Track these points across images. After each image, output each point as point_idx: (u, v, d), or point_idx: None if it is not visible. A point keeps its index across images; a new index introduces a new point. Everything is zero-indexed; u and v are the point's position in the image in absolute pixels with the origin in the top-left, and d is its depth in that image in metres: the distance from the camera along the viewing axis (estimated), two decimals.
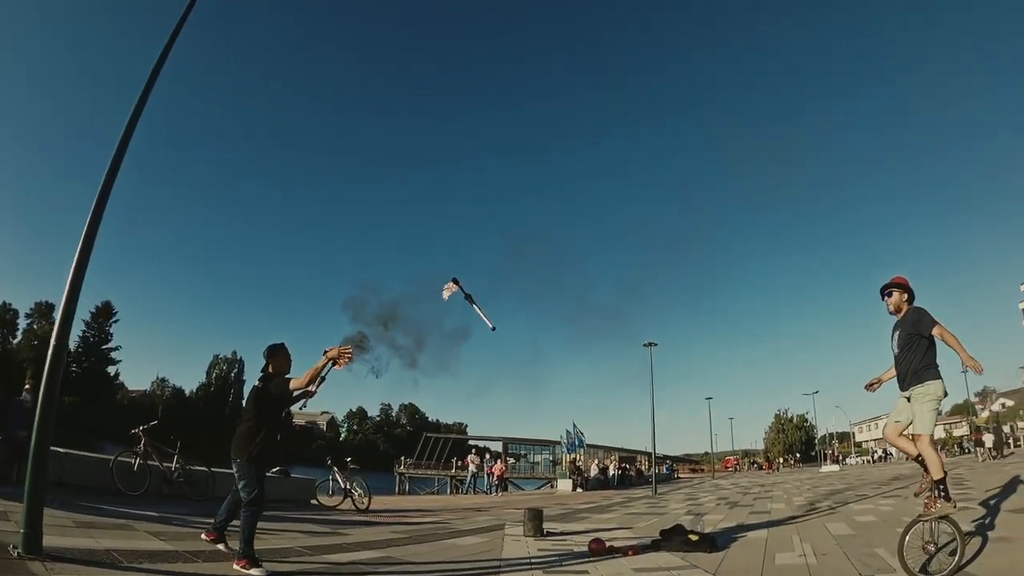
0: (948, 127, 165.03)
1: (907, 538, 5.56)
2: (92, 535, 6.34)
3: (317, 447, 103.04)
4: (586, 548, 7.96)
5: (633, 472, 45.49)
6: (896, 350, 6.00)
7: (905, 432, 6.06)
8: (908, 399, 5.82)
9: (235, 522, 5.88)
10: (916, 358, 5.75)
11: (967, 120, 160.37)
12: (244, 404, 6.23)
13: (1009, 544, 6.56)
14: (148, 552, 5.90)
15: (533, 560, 7.46)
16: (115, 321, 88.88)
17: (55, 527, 6.17)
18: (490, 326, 9.62)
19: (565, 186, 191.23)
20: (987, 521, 8.29)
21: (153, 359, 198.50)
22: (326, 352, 6.18)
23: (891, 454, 60.84)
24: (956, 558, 5.31)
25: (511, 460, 58.48)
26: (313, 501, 14.99)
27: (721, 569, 6.73)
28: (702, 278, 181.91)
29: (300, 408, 7.19)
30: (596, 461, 43.61)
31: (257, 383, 6.20)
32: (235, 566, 5.45)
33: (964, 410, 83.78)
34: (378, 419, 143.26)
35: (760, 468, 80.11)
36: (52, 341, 5.66)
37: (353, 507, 14.38)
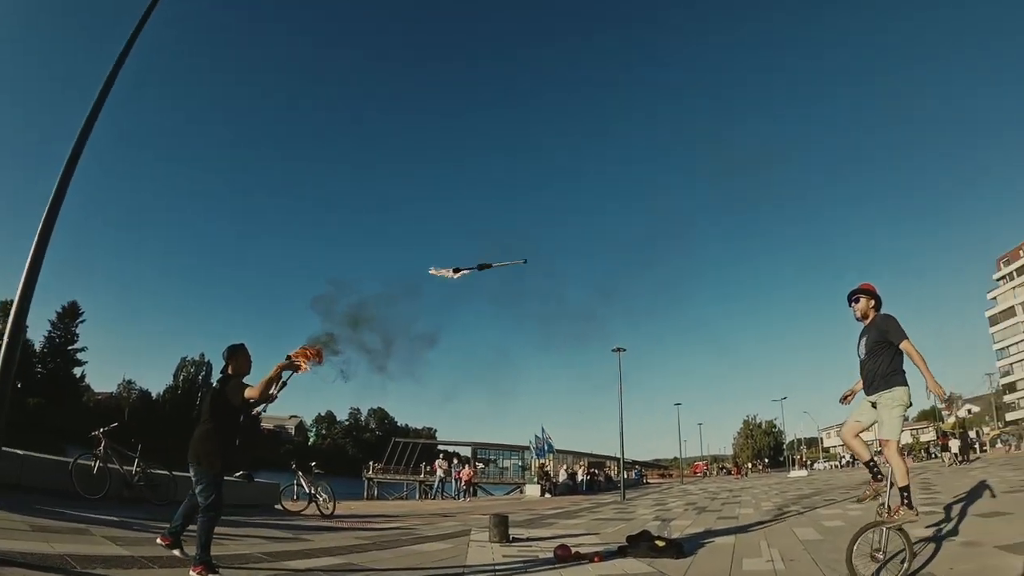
0: (918, 133, 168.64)
1: (855, 546, 5.54)
2: (47, 539, 6.17)
3: (285, 451, 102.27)
4: (552, 554, 7.90)
5: (602, 477, 45.59)
6: (863, 355, 6.01)
7: (861, 434, 6.09)
8: (873, 404, 5.84)
9: (192, 527, 5.76)
10: (884, 363, 5.77)
11: (937, 126, 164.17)
12: (201, 406, 6.09)
13: (979, 548, 6.62)
14: (103, 557, 5.76)
15: (497, 567, 7.40)
16: (81, 321, 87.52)
17: (9, 531, 6.05)
18: (521, 261, 9.70)
19: (536, 189, 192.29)
20: (956, 525, 8.38)
21: (120, 361, 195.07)
22: (288, 356, 6.13)
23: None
24: (905, 566, 5.33)
25: (480, 465, 58.40)
26: (277, 506, 14.80)
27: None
28: (672, 283, 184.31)
29: (260, 412, 7.12)
30: (565, 466, 43.71)
31: (215, 384, 6.06)
32: (191, 572, 5.30)
33: (931, 415, 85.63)
34: (347, 423, 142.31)
35: (729, 473, 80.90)
36: (5, 339, 5.56)
37: (318, 512, 14.24)
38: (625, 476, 34.70)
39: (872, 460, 6.10)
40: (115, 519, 8.53)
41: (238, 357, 6.06)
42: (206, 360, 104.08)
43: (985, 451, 45.21)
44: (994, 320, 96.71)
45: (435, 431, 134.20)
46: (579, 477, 40.88)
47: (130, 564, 5.68)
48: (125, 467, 11.70)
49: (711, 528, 11.24)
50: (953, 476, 20.58)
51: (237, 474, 13.85)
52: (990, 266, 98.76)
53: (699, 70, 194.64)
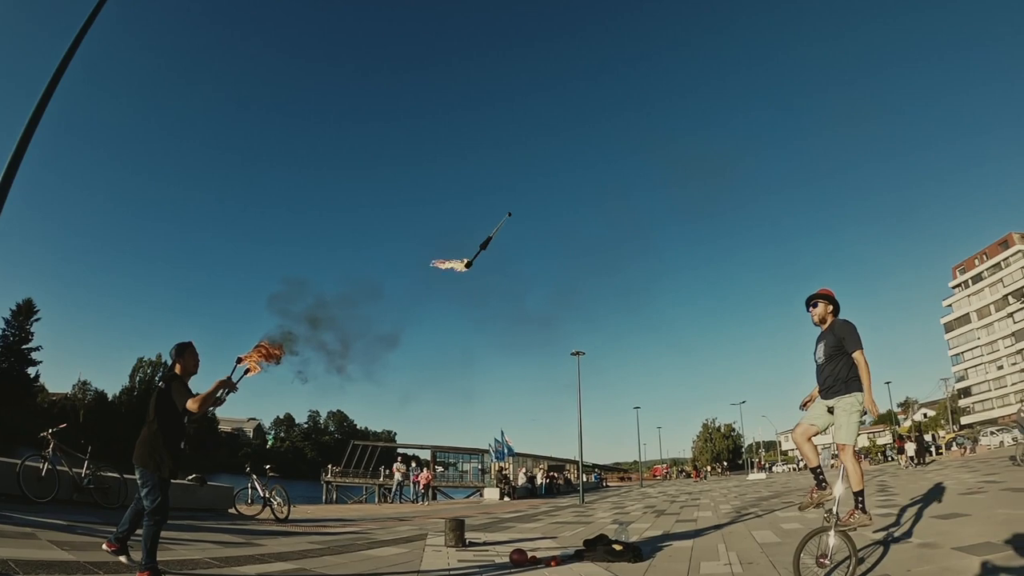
0: (879, 142, 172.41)
1: (802, 554, 5.54)
2: None
3: (243, 454, 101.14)
4: (508, 559, 7.86)
5: (561, 481, 45.73)
6: (821, 360, 6.00)
7: (813, 438, 6.08)
8: (830, 408, 5.84)
9: (139, 532, 5.65)
10: (843, 369, 5.77)
11: (898, 136, 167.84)
12: (147, 407, 5.91)
13: (937, 550, 6.66)
14: (47, 563, 5.59)
15: (452, 572, 7.34)
16: (36, 320, 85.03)
17: None
18: (507, 215, 9.80)
19: (495, 191, 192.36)
20: (913, 527, 8.47)
21: (75, 361, 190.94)
22: (239, 358, 6.05)
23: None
24: (850, 571, 5.35)
25: (440, 469, 58.27)
26: (231, 510, 14.60)
27: None
28: (632, 287, 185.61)
29: (210, 413, 7.02)
30: (524, 470, 43.73)
31: (160, 384, 5.83)
32: None
33: (887, 419, 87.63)
34: (306, 426, 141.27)
35: (688, 476, 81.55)
36: None
37: (272, 516, 14.08)
38: (584, 479, 34.85)
39: (819, 467, 6.08)
40: (63, 523, 8.32)
41: (186, 356, 5.90)
42: (164, 361, 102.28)
43: (941, 454, 46.11)
44: (949, 327, 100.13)
45: (395, 434, 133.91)
46: (538, 480, 40.95)
47: (75, 570, 5.53)
48: (75, 469, 11.44)
49: (669, 531, 11.26)
50: (909, 478, 20.90)
51: (190, 477, 13.64)
52: (946, 274, 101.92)
53: (662, 74, 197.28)
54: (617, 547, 8.00)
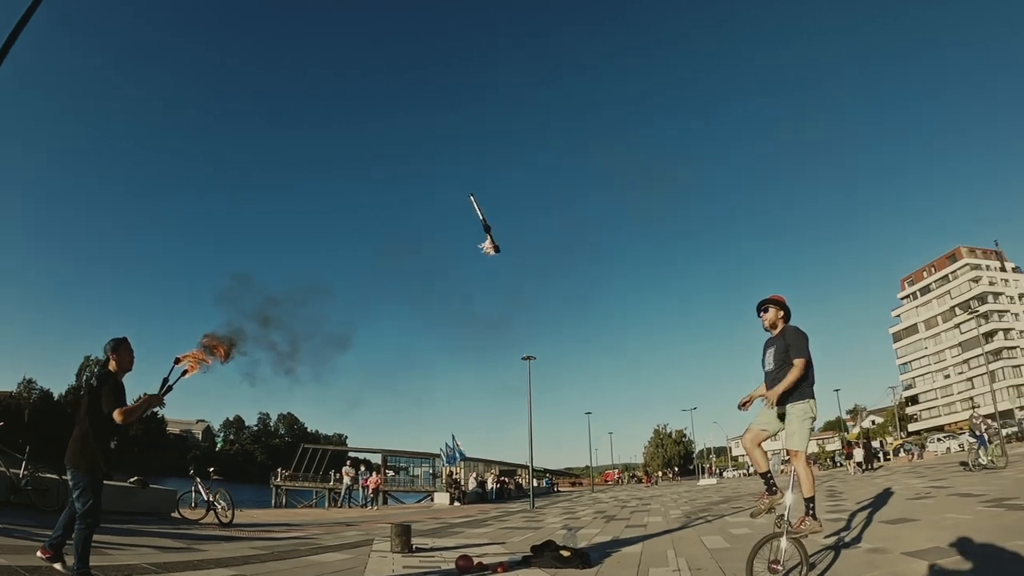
0: (824, 151, 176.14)
1: (755, 560, 5.51)
2: None
3: (192, 457, 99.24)
4: (454, 565, 7.73)
5: (512, 486, 45.80)
6: (771, 366, 5.96)
7: (763, 444, 6.06)
8: (780, 415, 5.80)
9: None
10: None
11: (843, 147, 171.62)
12: (79, 405, 5.75)
13: (886, 555, 6.71)
14: None
15: None
16: None
17: None
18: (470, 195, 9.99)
19: (445, 194, 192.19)
20: (862, 532, 8.55)
21: (19, 360, 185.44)
22: (177, 358, 5.94)
23: None
24: None
25: (390, 473, 57.88)
26: (174, 514, 14.32)
27: None
28: (582, 292, 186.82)
29: (150, 415, 6.90)
30: (475, 474, 43.68)
31: (93, 381, 5.64)
32: None
33: (836, 426, 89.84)
34: (256, 429, 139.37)
35: (640, 482, 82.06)
36: None
37: (216, 521, 13.84)
38: (536, 484, 34.96)
39: (769, 472, 6.07)
40: None
41: (120, 352, 5.73)
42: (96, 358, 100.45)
43: (889, 460, 47.27)
44: (897, 336, 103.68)
45: (346, 437, 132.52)
46: (489, 485, 40.94)
47: (6, 575, 5.44)
48: (12, 470, 11.11)
49: (619, 537, 11.25)
50: (858, 484, 21.32)
51: (131, 480, 13.35)
52: (895, 286, 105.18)
53: (610, 80, 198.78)
54: (565, 553, 7.92)
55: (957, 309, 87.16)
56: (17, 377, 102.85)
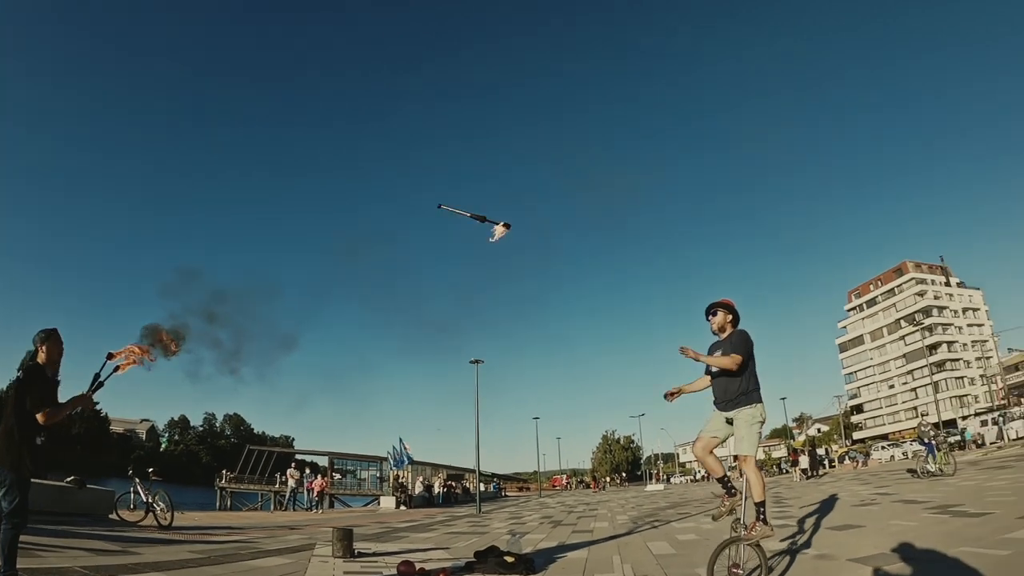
0: (774, 163, 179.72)
1: (715, 565, 5.44)
2: None
3: (136, 457, 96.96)
4: (395, 571, 7.53)
5: (459, 490, 45.68)
6: (716, 369, 5.85)
7: (714, 450, 5.97)
8: (728, 420, 5.74)
9: None
10: (744, 381, 5.68)
11: (792, 159, 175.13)
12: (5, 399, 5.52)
13: (833, 561, 6.69)
14: None
15: None
16: None
17: None
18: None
19: (397, 196, 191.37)
20: (810, 538, 8.51)
21: None
22: (110, 354, 5.78)
23: None
24: None
25: (337, 476, 57.36)
26: (113, 516, 13.87)
27: None
28: (530, 297, 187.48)
29: (92, 413, 6.73)
30: (422, 478, 43.53)
31: (20, 373, 5.37)
32: None
33: (783, 434, 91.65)
34: (201, 429, 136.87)
35: (587, 487, 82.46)
36: None
37: (155, 523, 13.49)
38: (483, 489, 34.95)
39: (726, 475, 5.99)
40: None
41: (49, 343, 5.54)
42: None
43: (834, 467, 48.20)
44: (844, 347, 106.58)
45: (293, 439, 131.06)
46: (436, 489, 40.79)
47: None
48: None
49: (564, 542, 11.12)
50: (804, 490, 21.49)
51: (68, 479, 12.96)
52: (842, 298, 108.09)
53: (565, 84, 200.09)
54: (509, 559, 7.75)
55: (902, 321, 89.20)
56: None
